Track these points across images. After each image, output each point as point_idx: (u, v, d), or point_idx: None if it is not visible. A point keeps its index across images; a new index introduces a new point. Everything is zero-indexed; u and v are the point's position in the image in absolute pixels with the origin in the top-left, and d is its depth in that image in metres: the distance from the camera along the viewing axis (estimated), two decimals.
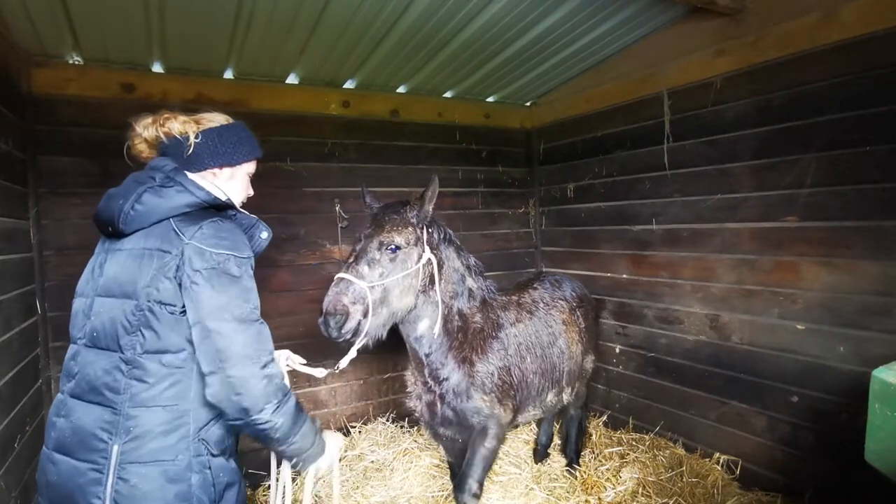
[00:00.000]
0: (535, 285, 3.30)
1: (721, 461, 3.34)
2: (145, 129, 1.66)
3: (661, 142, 3.68)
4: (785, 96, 2.96)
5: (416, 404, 2.76)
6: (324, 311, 2.16)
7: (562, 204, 4.69)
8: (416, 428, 4.24)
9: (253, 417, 1.48)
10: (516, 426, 3.29)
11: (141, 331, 1.48)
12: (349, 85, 4.02)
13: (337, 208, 4.01)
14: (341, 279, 2.21)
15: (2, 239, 2.47)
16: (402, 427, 4.19)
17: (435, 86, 4.21)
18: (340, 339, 2.17)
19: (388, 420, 4.22)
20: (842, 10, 2.69)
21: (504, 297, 2.88)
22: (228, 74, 3.60)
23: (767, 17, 3.02)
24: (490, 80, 4.20)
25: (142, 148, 1.70)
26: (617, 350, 4.20)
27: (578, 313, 3.34)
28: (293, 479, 1.89)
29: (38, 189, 3.06)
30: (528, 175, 4.98)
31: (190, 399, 1.52)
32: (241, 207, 1.80)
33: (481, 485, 2.62)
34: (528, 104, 4.91)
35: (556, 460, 3.81)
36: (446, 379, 2.59)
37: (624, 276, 4.09)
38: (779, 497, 3.01)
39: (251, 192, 1.86)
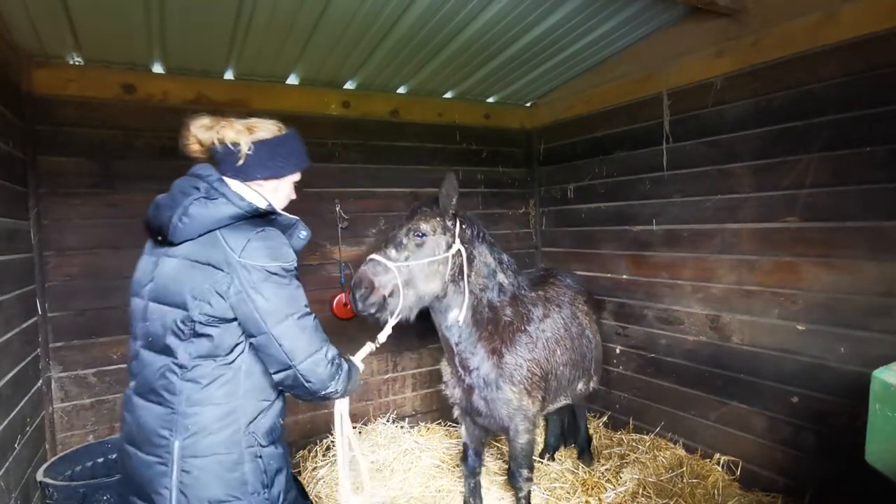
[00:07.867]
0: (551, 281, 3.42)
1: (721, 462, 3.34)
2: (200, 131, 1.71)
3: (661, 142, 3.68)
4: (785, 97, 2.96)
5: (451, 392, 2.94)
6: (352, 284, 2.40)
7: (562, 204, 4.69)
8: (415, 428, 4.25)
9: (321, 394, 1.70)
10: (547, 414, 3.46)
11: (193, 340, 1.58)
12: (349, 85, 4.02)
13: (337, 209, 4.01)
14: (370, 259, 2.44)
15: (2, 239, 2.47)
16: (402, 427, 4.18)
17: (435, 86, 4.21)
18: (366, 312, 2.36)
19: (388, 421, 4.22)
20: (842, 10, 2.69)
21: (533, 294, 3.04)
22: (229, 75, 3.60)
23: (768, 18, 3.02)
24: (490, 81, 4.20)
25: (195, 149, 1.75)
26: (617, 351, 4.19)
27: (590, 305, 3.56)
28: None
29: (39, 189, 3.06)
30: (528, 175, 4.98)
31: (239, 396, 1.63)
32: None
33: (531, 468, 2.92)
34: (528, 104, 4.91)
35: (557, 460, 3.80)
36: (476, 368, 2.72)
37: (624, 276, 4.08)
38: (779, 497, 3.01)
39: (294, 197, 1.94)
